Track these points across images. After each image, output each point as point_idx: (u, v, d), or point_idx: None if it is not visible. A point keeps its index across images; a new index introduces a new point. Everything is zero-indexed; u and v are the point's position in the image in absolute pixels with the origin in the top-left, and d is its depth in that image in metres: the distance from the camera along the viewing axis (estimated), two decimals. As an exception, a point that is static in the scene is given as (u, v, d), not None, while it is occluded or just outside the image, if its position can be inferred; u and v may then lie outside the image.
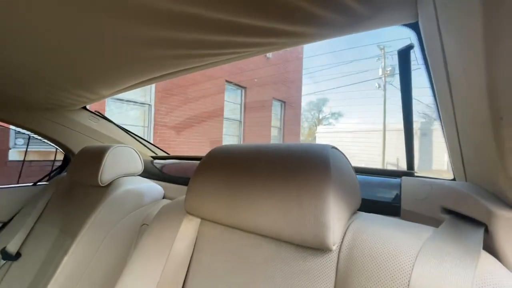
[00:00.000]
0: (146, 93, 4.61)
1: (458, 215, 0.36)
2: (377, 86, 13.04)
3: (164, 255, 0.48)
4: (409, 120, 0.58)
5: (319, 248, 0.34)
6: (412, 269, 0.27)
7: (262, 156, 0.42)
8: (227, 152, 0.48)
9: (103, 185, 0.83)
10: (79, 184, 0.94)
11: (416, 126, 11.55)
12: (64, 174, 1.06)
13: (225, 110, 5.97)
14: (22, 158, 3.16)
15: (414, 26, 0.39)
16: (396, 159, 11.00)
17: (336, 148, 0.40)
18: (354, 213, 0.39)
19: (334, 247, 0.33)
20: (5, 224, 1.02)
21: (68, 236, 0.80)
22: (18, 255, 0.88)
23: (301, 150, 0.39)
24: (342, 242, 0.34)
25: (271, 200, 0.37)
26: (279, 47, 0.53)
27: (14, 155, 3.10)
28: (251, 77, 6.37)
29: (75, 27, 0.42)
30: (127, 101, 4.37)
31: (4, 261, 0.87)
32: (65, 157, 1.29)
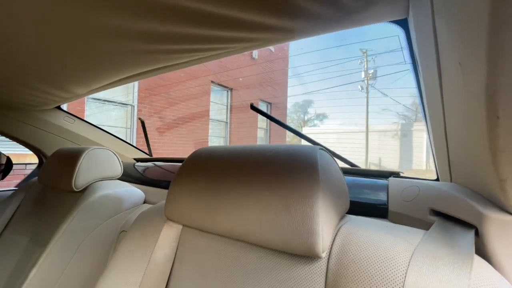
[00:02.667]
0: (128, 93, 4.47)
1: (447, 217, 0.35)
2: (360, 89, 13.42)
3: (143, 264, 0.45)
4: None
5: (308, 256, 0.32)
6: (405, 276, 0.25)
7: (248, 158, 0.40)
8: (211, 154, 0.45)
9: (77, 190, 0.78)
10: (51, 189, 0.87)
11: (396, 127, 11.97)
12: (35, 178, 0.99)
13: (211, 111, 5.91)
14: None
15: (403, 23, 0.39)
16: (378, 159, 11.36)
17: (324, 149, 0.38)
18: (343, 216, 0.38)
19: (324, 254, 0.31)
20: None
21: (38, 246, 0.74)
22: (-18, 267, 0.81)
23: (288, 152, 0.37)
24: (331, 248, 0.32)
25: (257, 205, 0.35)
26: (266, 43, 0.51)
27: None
28: (237, 78, 6.36)
29: (42, 18, 0.38)
30: (108, 101, 4.22)
31: None
32: (40, 160, 1.21)
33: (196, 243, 0.44)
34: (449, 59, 0.27)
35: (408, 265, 0.26)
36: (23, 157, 3.13)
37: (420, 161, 10.11)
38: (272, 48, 7.60)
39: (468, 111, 0.25)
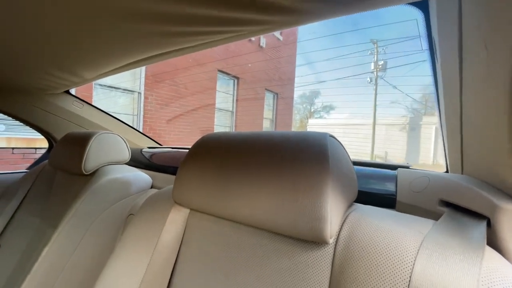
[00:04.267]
0: (135, 80, 4.47)
1: (457, 208, 0.35)
2: (369, 81, 13.16)
3: (150, 247, 0.46)
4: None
5: (315, 241, 0.32)
6: (414, 263, 0.25)
7: (256, 143, 0.40)
8: (219, 139, 0.45)
9: (87, 173, 0.79)
10: (61, 172, 0.89)
11: (404, 120, 11.78)
12: (45, 162, 1.00)
13: (217, 100, 5.89)
14: (4, 145, 3.03)
15: (423, 5, 0.37)
16: (384, 153, 11.25)
17: (334, 137, 0.38)
18: (351, 204, 0.38)
19: (331, 240, 0.31)
20: (-18, 213, 0.96)
21: (49, 227, 0.77)
22: (-4, 245, 0.84)
23: (298, 138, 0.37)
24: (338, 235, 0.32)
25: (265, 190, 0.35)
26: (277, 27, 0.49)
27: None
28: (244, 66, 6.28)
29: (54, 1, 0.38)
30: (115, 87, 4.23)
31: None
32: (50, 144, 1.23)
33: (202, 227, 0.45)
34: (474, 43, 0.26)
35: (417, 253, 0.26)
36: (33, 142, 3.20)
37: (427, 155, 9.98)
38: (280, 36, 7.44)
39: (491, 100, 0.24)
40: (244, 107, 6.47)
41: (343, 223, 0.33)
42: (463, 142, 0.37)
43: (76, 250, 0.68)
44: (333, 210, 0.30)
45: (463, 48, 0.29)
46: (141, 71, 4.48)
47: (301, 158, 0.34)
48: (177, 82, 4.97)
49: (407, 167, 0.56)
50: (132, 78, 4.44)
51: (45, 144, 1.27)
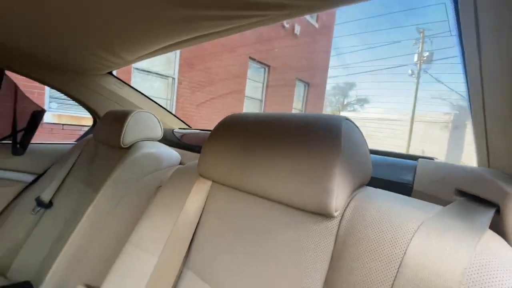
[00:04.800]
0: (170, 66, 4.66)
1: (471, 197, 0.34)
2: (410, 73, 12.22)
3: (175, 214, 0.51)
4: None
5: (322, 214, 0.34)
6: (410, 241, 0.26)
7: (277, 123, 0.42)
8: (242, 119, 0.49)
9: (124, 147, 0.88)
10: (103, 145, 0.99)
11: (448, 118, 10.83)
12: (90, 135, 1.13)
13: (247, 88, 5.92)
14: (55, 121, 3.40)
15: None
16: (421, 151, 10.50)
17: (350, 120, 0.39)
18: (361, 186, 0.39)
19: (336, 214, 0.33)
20: (39, 176, 1.12)
21: (91, 191, 0.87)
22: (50, 204, 0.98)
23: (315, 119, 0.39)
24: (344, 210, 0.34)
25: (280, 166, 0.38)
26: (306, 11, 0.49)
27: (48, 118, 3.33)
28: (276, 55, 6.19)
29: None
30: (152, 72, 4.46)
31: (39, 208, 0.97)
32: (94, 120, 1.37)
33: (222, 198, 0.49)
34: (487, 24, 0.25)
35: (416, 231, 0.27)
36: (79, 120, 3.54)
37: (471, 157, 9.14)
38: (315, 23, 7.17)
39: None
40: (274, 96, 6.44)
41: (350, 200, 0.35)
42: (488, 136, 0.35)
43: (112, 213, 0.77)
44: (339, 187, 0.32)
45: (480, 30, 0.27)
46: (176, 57, 4.66)
47: (316, 137, 0.36)
48: (210, 68, 5.08)
49: (431, 159, 0.55)
50: (167, 64, 4.64)
51: (89, 122, 1.41)
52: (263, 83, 6.31)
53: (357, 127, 0.40)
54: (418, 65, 11.74)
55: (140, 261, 0.50)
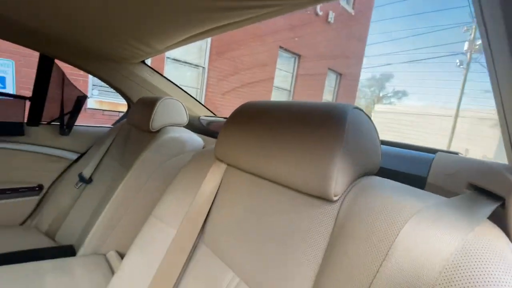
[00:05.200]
0: (201, 56, 4.77)
1: (482, 191, 0.33)
2: (458, 64, 11.11)
3: (193, 192, 0.55)
4: None
5: (323, 198, 0.36)
6: (402, 228, 0.27)
7: (288, 111, 0.44)
8: (256, 106, 0.51)
9: (153, 130, 0.95)
10: (135, 129, 1.08)
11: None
12: (125, 120, 1.23)
13: (276, 77, 5.86)
14: (97, 107, 3.72)
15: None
16: (464, 150, 9.61)
17: (362, 110, 0.39)
18: (367, 174, 0.39)
19: (336, 198, 0.34)
20: (82, 155, 1.25)
21: (124, 170, 0.96)
22: (90, 180, 1.10)
23: (323, 107, 0.40)
24: (346, 195, 0.35)
25: (288, 151, 0.39)
26: None
27: (91, 104, 3.65)
28: (307, 43, 6.00)
29: None
30: (183, 62, 4.61)
31: (81, 183, 1.10)
32: (128, 106, 1.48)
33: (235, 180, 0.52)
34: (497, 24, 0.23)
35: (410, 218, 0.27)
36: (116, 106, 3.83)
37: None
38: (351, 10, 6.79)
39: None
40: (303, 87, 6.30)
41: (352, 187, 0.35)
42: (509, 131, 0.33)
43: (141, 189, 0.85)
44: (340, 171, 0.33)
45: (488, 29, 0.25)
46: (206, 46, 4.75)
47: (321, 124, 0.37)
48: (239, 57, 5.11)
49: (455, 153, 0.52)
50: (199, 53, 4.76)
51: (125, 108, 1.53)
52: (293, 73, 6.19)
53: (368, 116, 0.40)
54: (468, 54, 10.61)
55: (160, 233, 0.55)
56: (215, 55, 4.81)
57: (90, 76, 3.48)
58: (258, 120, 0.48)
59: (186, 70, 4.71)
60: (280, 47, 5.61)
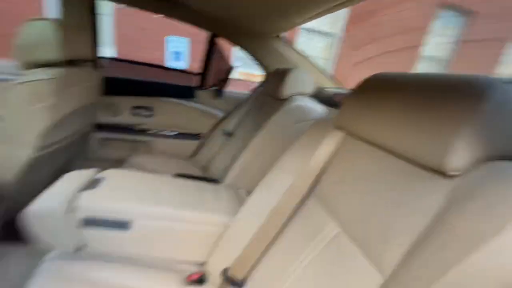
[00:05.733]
0: (336, 23, 4.52)
1: None
2: None
3: (309, 154, 0.64)
4: None
5: (440, 172, 0.35)
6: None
7: (422, 84, 0.42)
8: (385, 78, 0.51)
9: (282, 98, 1.08)
10: (269, 96, 1.26)
11: None
12: (261, 88, 1.44)
13: (428, 44, 4.76)
14: (239, 77, 4.39)
15: None
16: None
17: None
18: (503, 159, 0.34)
19: (454, 173, 0.33)
20: (228, 114, 1.60)
21: (257, 129, 1.17)
22: (231, 134, 1.40)
23: (457, 79, 0.37)
24: (468, 174, 0.33)
25: (412, 123, 0.40)
26: None
27: (235, 75, 4.35)
28: (487, -4, 4.42)
29: None
30: (316, 31, 4.53)
31: (225, 135, 1.43)
32: (265, 76, 1.71)
33: (351, 149, 0.56)
34: None
35: None
36: (254, 77, 4.36)
37: None
38: None
39: None
40: (467, 56, 4.82)
41: (480, 167, 0.32)
42: None
43: (269, 145, 1.03)
44: (463, 146, 0.31)
45: None
46: (343, 14, 4.42)
47: (458, 95, 0.34)
48: (381, 23, 4.47)
49: None
50: (333, 22, 4.51)
51: (258, 79, 1.78)
52: (457, 38, 4.81)
53: None
54: None
55: (279, 180, 0.68)
56: (352, 22, 4.42)
57: (233, 49, 4.10)
58: (384, 92, 0.48)
59: (318, 41, 4.63)
60: (442, 3, 4.42)
